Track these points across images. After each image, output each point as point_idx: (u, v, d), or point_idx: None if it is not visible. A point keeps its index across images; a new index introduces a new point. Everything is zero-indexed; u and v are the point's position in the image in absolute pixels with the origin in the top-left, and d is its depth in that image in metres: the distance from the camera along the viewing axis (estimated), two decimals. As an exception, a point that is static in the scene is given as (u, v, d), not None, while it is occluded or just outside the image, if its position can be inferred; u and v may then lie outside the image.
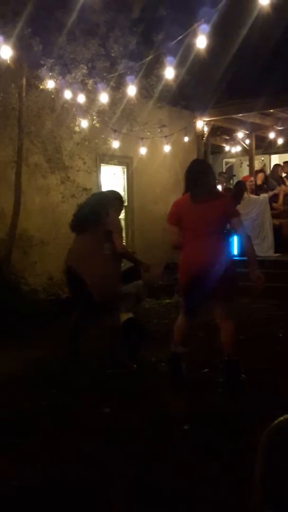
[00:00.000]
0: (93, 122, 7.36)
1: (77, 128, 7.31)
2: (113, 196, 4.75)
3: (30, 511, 2.39)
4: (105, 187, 9.11)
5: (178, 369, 4.11)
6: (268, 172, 10.63)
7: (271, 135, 10.94)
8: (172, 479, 2.62)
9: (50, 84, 6.54)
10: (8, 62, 5.24)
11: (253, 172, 10.32)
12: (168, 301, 8.20)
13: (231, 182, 12.20)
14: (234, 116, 9.52)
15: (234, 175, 12.33)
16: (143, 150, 8.51)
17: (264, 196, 8.80)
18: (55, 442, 3.09)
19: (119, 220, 4.53)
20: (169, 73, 5.54)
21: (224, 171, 12.67)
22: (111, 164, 9.06)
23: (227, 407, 3.55)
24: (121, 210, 4.72)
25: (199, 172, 4.07)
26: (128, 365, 4.53)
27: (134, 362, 4.59)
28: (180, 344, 4.12)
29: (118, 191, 4.92)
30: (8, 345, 5.24)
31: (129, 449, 2.97)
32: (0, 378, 4.33)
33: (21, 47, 5.87)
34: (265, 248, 8.63)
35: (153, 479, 2.63)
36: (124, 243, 4.40)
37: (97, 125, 7.46)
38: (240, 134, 10.90)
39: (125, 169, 9.54)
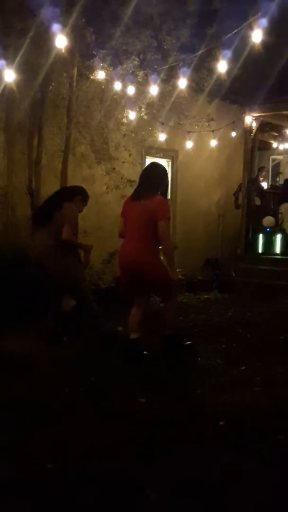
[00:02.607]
0: (141, 114, 7.36)
1: (125, 120, 7.34)
2: (75, 191, 5.20)
3: (64, 495, 2.43)
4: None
5: (133, 353, 4.45)
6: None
7: None
8: (207, 475, 2.62)
9: (100, 74, 6.58)
10: (63, 51, 5.30)
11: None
12: (206, 296, 8.16)
13: (278, 179, 12.00)
14: (285, 112, 9.33)
15: (281, 173, 12.12)
16: (189, 144, 8.46)
17: None
18: (90, 429, 3.12)
19: (74, 213, 4.97)
20: (222, 66, 5.46)
21: (270, 168, 12.46)
22: (156, 156, 9.04)
23: (264, 406, 3.52)
24: (83, 205, 5.19)
25: (146, 174, 4.53)
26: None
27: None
28: (134, 330, 4.47)
29: (83, 187, 5.34)
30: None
31: (163, 443, 2.97)
32: (39, 361, 4.42)
33: (74, 37, 5.93)
34: None
35: (187, 473, 2.63)
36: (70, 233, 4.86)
37: (145, 117, 7.46)
38: (289, 131, 10.69)
39: (170, 163, 9.52)
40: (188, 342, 4.70)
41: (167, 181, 4.61)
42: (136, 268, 4.30)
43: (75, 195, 5.12)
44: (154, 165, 4.71)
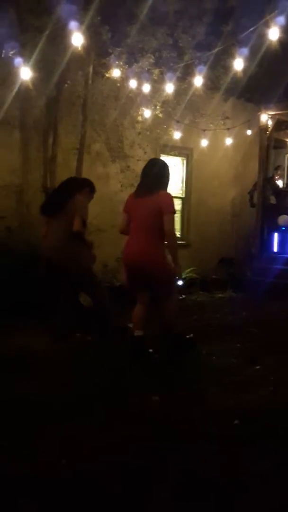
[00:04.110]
0: (156, 112, 7.35)
1: (140, 118, 7.34)
2: (84, 183, 5.20)
3: (72, 492, 2.43)
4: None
5: (139, 350, 4.40)
6: None
7: None
8: (220, 475, 2.60)
9: (116, 73, 6.58)
10: (79, 49, 5.31)
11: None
12: (220, 295, 8.12)
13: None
14: (301, 110, 9.24)
15: (296, 171, 12.01)
16: (204, 142, 8.43)
17: None
18: (101, 427, 3.11)
19: (85, 204, 4.96)
20: (238, 64, 5.43)
21: (286, 166, 12.36)
22: (171, 155, 9.04)
23: (278, 405, 3.50)
24: (90, 198, 5.15)
25: (146, 171, 4.46)
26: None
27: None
28: (139, 328, 4.42)
29: (90, 180, 5.34)
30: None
31: (175, 441, 2.96)
32: (49, 359, 4.44)
33: (90, 35, 5.94)
34: None
35: (199, 473, 2.62)
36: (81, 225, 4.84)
37: (160, 115, 7.45)
38: (305, 130, 10.58)
39: (185, 161, 9.50)
40: (191, 335, 4.64)
41: (168, 176, 4.52)
42: (142, 267, 4.26)
43: (84, 187, 5.08)
44: (153, 161, 4.68)
